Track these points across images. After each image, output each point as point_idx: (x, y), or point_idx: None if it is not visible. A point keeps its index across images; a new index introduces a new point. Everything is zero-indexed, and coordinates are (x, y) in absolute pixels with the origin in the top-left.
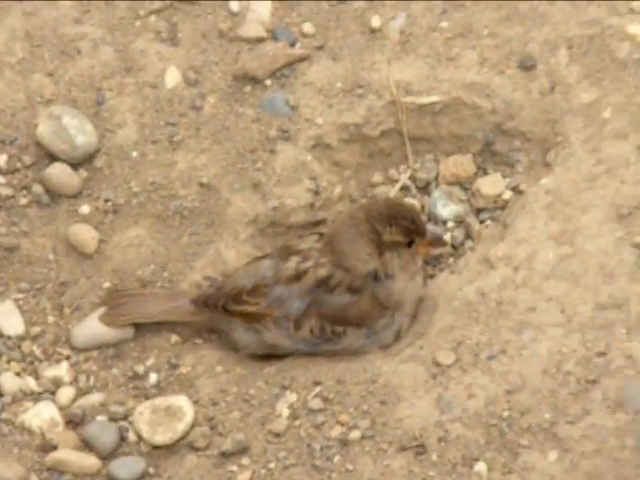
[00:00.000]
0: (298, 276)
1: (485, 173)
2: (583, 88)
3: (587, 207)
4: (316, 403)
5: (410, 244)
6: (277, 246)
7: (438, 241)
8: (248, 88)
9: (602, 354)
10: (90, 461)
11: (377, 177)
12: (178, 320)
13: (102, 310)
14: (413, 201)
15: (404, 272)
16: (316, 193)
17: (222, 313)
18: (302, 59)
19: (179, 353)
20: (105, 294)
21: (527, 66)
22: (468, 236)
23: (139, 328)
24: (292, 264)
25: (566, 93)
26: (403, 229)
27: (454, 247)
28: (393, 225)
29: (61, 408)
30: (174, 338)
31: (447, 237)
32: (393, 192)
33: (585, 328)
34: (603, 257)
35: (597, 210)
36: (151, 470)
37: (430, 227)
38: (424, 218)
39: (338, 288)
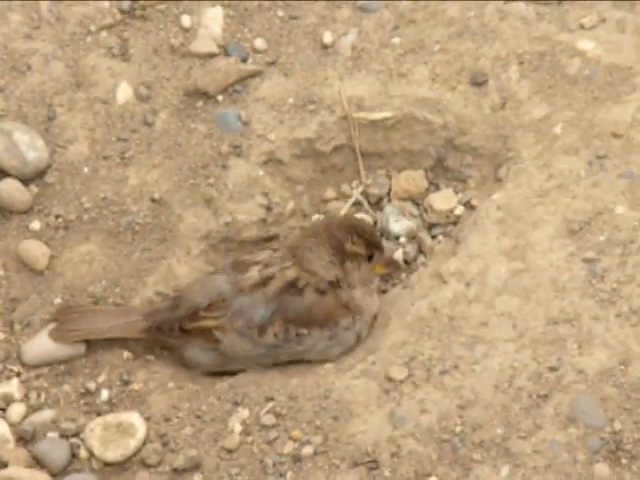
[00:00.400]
0: (264, 282)
1: (437, 188)
2: (534, 104)
3: (538, 222)
4: (268, 419)
5: (370, 258)
6: (227, 263)
7: (394, 263)
8: (200, 104)
9: (553, 369)
10: (41, 478)
11: (329, 192)
12: (129, 336)
13: (52, 326)
14: (366, 217)
15: (363, 286)
16: (268, 209)
17: (178, 335)
18: (254, 75)
19: (131, 369)
20: (56, 310)
21: (478, 82)
22: (420, 251)
23: (90, 344)
24: (254, 273)
25: (517, 109)
26: (364, 241)
27: (407, 262)
28: (355, 236)
29: (11, 425)
30: (126, 354)
31: (399, 254)
32: (345, 208)
33: (537, 343)
34: (554, 272)
35: (548, 225)
36: None
37: (387, 246)
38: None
39: (307, 288)
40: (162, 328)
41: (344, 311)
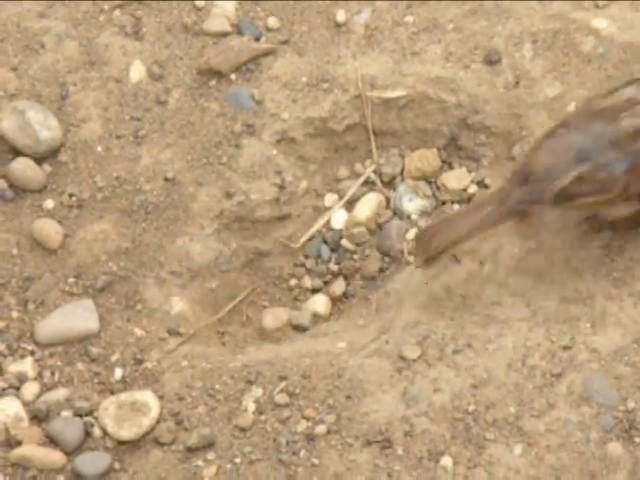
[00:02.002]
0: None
1: (450, 168)
2: (547, 82)
3: None
4: (282, 398)
5: None
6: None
7: None
8: (213, 82)
9: (567, 348)
10: (55, 457)
11: (343, 171)
12: (490, 230)
13: (414, 258)
14: (379, 196)
15: None
16: (281, 187)
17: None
18: (267, 53)
19: (144, 348)
20: (414, 241)
21: (492, 60)
22: None
23: (104, 323)
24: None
25: (531, 87)
26: None
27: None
28: None
29: (25, 404)
30: (139, 332)
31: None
32: (355, 186)
33: (550, 322)
34: (568, 252)
35: None
36: (116, 465)
37: None
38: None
39: None
40: (519, 211)
41: None
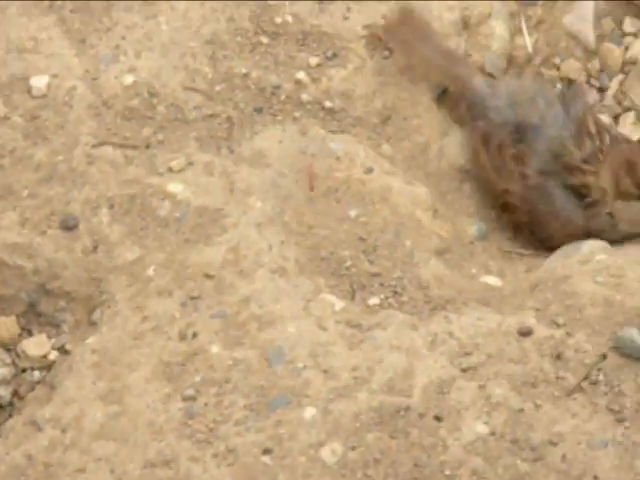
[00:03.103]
0: None
1: (30, 334)
2: (126, 247)
3: (134, 365)
4: None
5: None
6: None
7: None
8: None
9: None
10: None
11: None
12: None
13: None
14: None
15: None
16: None
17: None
18: None
19: None
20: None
21: (69, 226)
22: (16, 397)
23: None
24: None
25: (110, 252)
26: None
27: (1, 406)
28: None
29: None
30: None
31: None
32: None
33: None
34: (151, 414)
35: (144, 367)
36: None
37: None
38: None
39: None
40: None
41: None
